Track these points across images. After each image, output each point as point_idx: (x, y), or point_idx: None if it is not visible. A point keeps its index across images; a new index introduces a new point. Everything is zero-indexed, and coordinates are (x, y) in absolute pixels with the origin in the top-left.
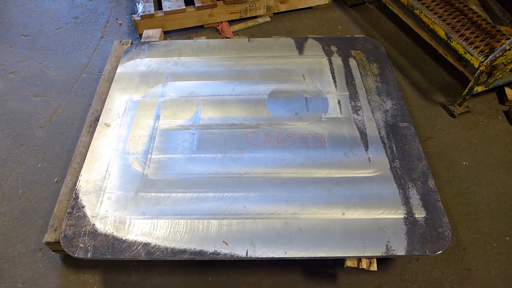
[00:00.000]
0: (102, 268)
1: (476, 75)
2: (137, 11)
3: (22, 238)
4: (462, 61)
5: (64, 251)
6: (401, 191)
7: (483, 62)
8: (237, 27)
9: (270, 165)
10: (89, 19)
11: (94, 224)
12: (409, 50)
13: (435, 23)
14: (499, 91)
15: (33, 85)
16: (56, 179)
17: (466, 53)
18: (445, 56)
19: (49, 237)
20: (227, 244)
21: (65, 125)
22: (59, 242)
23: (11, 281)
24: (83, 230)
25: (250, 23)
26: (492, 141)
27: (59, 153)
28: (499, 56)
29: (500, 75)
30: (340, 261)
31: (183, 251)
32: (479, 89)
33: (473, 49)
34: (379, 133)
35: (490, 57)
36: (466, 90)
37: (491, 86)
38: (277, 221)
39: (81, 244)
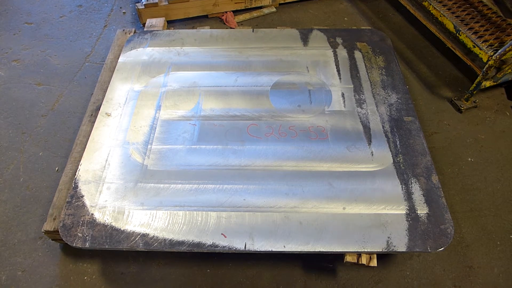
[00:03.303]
0: (101, 258)
1: (484, 69)
2: None
3: (22, 226)
4: (470, 55)
5: (63, 240)
6: (403, 186)
7: (492, 56)
8: (242, 17)
9: (271, 157)
10: (93, 7)
11: (92, 214)
12: (417, 43)
13: (444, 16)
14: (508, 86)
15: (36, 73)
16: (57, 168)
17: (474, 47)
18: (453, 50)
19: (48, 226)
20: (225, 237)
21: (67, 114)
22: (58, 231)
23: (11, 269)
24: (82, 219)
25: (255, 14)
26: (499, 137)
27: (61, 142)
28: (509, 50)
29: (509, 70)
30: (340, 256)
31: (181, 243)
32: (487, 84)
33: (482, 42)
34: (383, 127)
35: (499, 51)
36: (474, 85)
37: (499, 81)
38: (277, 215)
39: (80, 234)
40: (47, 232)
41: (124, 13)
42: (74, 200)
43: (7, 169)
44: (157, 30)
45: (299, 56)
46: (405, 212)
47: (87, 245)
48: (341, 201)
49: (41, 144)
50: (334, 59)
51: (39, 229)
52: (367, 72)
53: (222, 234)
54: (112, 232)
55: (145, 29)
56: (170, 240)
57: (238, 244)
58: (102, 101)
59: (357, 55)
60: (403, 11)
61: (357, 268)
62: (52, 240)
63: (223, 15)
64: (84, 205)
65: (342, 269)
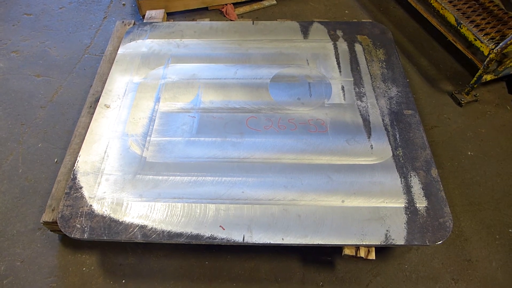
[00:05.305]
0: (100, 249)
1: (485, 63)
2: None
3: (21, 217)
4: (471, 48)
5: (61, 231)
6: (403, 180)
7: (493, 49)
8: (242, 10)
9: (270, 150)
10: None
11: (91, 205)
12: (418, 36)
13: (445, 8)
14: (509, 80)
15: (35, 64)
16: (56, 160)
17: (476, 40)
18: (454, 43)
19: (46, 217)
20: (224, 229)
21: (66, 106)
22: (57, 222)
23: (10, 259)
24: (80, 211)
25: (255, 6)
26: (499, 131)
27: (60, 134)
28: (510, 44)
29: (511, 63)
30: (339, 249)
31: (180, 235)
32: (488, 77)
33: (483, 35)
34: (383, 120)
35: (500, 44)
36: (475, 78)
37: (500, 74)
38: (276, 207)
39: (78, 225)
40: (45, 223)
41: (123, 4)
42: (72, 192)
43: (6, 160)
44: (157, 22)
45: (299, 49)
46: (404, 206)
47: (85, 236)
48: (340, 194)
49: (40, 135)
50: (334, 52)
51: (38, 220)
52: (367, 65)
53: (220, 226)
54: (111, 223)
55: (144, 21)
56: (169, 232)
57: (237, 236)
58: (101, 92)
59: (358, 48)
60: (405, 4)
61: (356, 261)
62: (51, 231)
63: (223, 8)
64: (82, 197)
65: (340, 262)
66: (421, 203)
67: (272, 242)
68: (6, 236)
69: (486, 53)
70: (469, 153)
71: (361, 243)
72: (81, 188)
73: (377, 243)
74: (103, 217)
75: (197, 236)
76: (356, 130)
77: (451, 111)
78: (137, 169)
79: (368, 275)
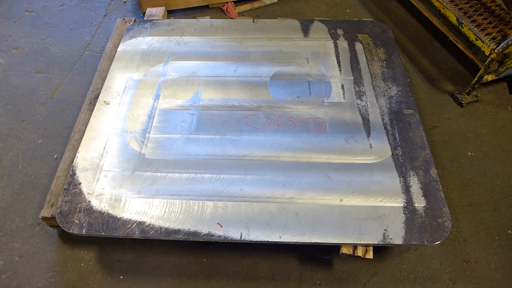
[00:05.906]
0: (98, 245)
1: (486, 63)
2: None
3: (20, 213)
4: (472, 48)
5: (60, 226)
6: (401, 179)
7: (494, 49)
8: (242, 8)
9: (269, 148)
10: None
11: (89, 201)
12: (419, 36)
13: (447, 8)
14: (510, 81)
15: (36, 61)
16: (55, 156)
17: (477, 40)
18: (456, 43)
19: (45, 212)
20: (221, 226)
21: (66, 102)
22: (55, 218)
23: (8, 254)
24: (79, 206)
25: (256, 4)
26: (500, 132)
27: (60, 130)
28: None
29: None
30: (336, 247)
31: (177, 231)
32: (489, 78)
33: (484, 35)
34: (382, 119)
35: (502, 44)
36: (476, 79)
37: (501, 75)
38: (273, 205)
39: (76, 220)
40: (44, 218)
41: (124, 2)
42: (71, 187)
43: (6, 156)
44: (157, 20)
45: (299, 47)
46: (402, 205)
47: (83, 231)
48: (338, 193)
49: (40, 131)
50: (334, 51)
51: (37, 216)
52: (367, 64)
53: (218, 223)
54: (109, 219)
55: (145, 18)
56: (166, 228)
57: (234, 233)
58: (101, 89)
59: (358, 46)
60: (406, 4)
61: (353, 260)
62: (50, 226)
63: (224, 5)
64: (81, 192)
65: (338, 261)
66: (419, 203)
67: (269, 240)
68: (5, 231)
69: (487, 53)
70: (469, 153)
71: (359, 242)
72: (80, 184)
73: (375, 243)
74: (101, 213)
75: (194, 233)
76: (356, 129)
77: (452, 111)
78: (135, 166)
79: (365, 275)
